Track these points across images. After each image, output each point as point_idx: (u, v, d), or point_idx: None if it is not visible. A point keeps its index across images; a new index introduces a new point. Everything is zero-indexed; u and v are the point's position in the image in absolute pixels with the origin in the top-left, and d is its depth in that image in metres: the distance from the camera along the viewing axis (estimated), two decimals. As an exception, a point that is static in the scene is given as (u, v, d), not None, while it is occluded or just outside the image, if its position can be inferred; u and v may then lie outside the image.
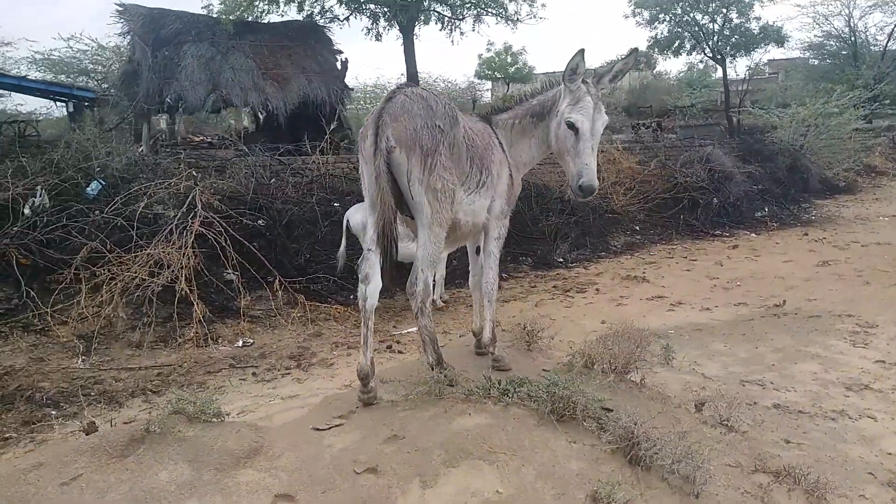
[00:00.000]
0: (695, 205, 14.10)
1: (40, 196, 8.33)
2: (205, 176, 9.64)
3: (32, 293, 7.29)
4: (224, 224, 8.40)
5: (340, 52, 17.21)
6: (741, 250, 11.91)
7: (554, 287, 9.95)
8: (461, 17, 18.53)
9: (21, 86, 24.12)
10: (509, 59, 41.25)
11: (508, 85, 41.58)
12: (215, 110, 15.70)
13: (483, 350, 4.31)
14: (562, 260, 11.37)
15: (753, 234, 13.51)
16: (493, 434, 2.79)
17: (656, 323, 7.75)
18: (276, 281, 8.48)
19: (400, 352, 7.27)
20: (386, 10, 16.98)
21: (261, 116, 16.64)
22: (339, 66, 16.24)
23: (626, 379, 4.08)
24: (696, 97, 31.81)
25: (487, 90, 47.59)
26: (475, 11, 18.50)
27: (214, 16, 15.10)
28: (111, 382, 6.54)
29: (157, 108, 13.61)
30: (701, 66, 37.60)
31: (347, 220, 8.85)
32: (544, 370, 3.90)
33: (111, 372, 6.74)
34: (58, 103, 27.06)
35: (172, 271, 7.49)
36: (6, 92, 26.43)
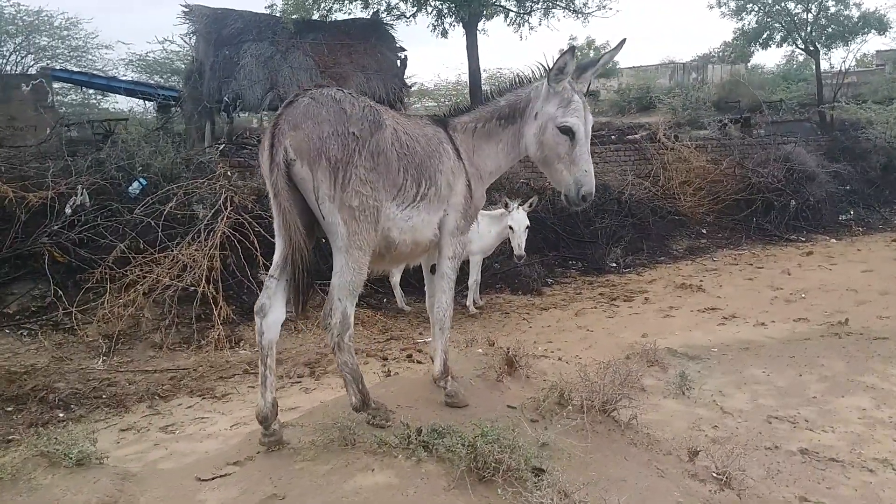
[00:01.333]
0: (769, 207, 13.07)
1: (81, 195, 8.48)
2: (244, 176, 9.62)
3: (60, 292, 7.38)
4: (256, 225, 8.34)
5: (403, 49, 16.99)
6: (815, 257, 10.91)
7: (600, 294, 9.37)
8: (528, 11, 17.93)
9: (110, 86, 25.40)
10: (591, 54, 40.06)
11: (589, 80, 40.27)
12: (272, 109, 15.81)
13: (444, 382, 3.76)
14: (614, 265, 10.74)
15: (833, 240, 12.39)
16: (389, 499, 2.40)
17: (701, 339, 7.12)
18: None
19: (419, 361, 6.95)
20: (451, 4, 16.61)
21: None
22: (398, 64, 16.04)
23: (609, 418, 3.57)
24: (792, 91, 29.80)
25: (569, 86, 46.53)
26: (543, 5, 17.85)
27: (277, 15, 15.19)
28: (124, 385, 6.52)
29: (217, 108, 13.80)
30: (801, 58, 35.26)
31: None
32: (509, 406, 3.47)
33: (127, 374, 6.74)
34: (147, 102, 28.41)
35: (194, 273, 7.44)
36: (101, 92, 27.96)
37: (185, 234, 8.16)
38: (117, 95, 26.26)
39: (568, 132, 3.60)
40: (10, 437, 5.54)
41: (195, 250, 7.60)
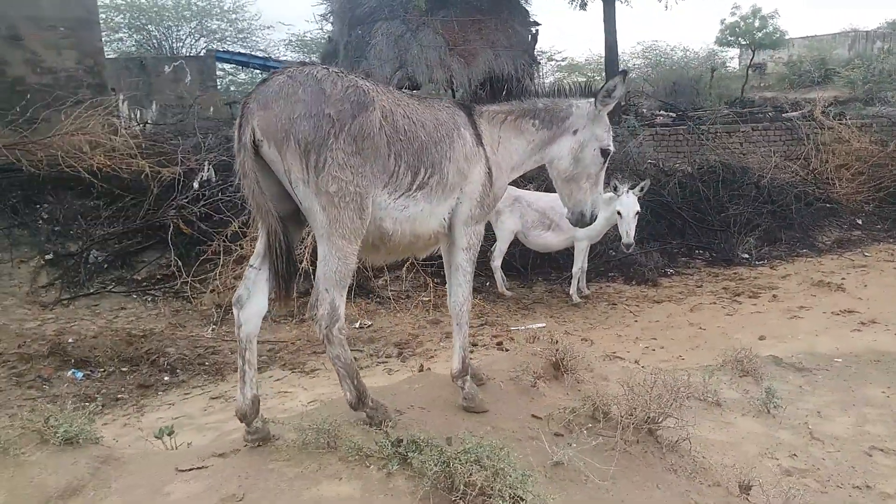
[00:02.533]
0: (945, 195, 11.41)
1: (207, 171, 9.01)
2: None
3: (180, 262, 7.89)
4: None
5: (537, 24, 16.54)
6: None
7: (723, 289, 8.62)
8: (675, -22, 16.79)
9: (266, 65, 26.99)
10: (757, 24, 36.89)
11: (754, 52, 37.24)
12: (399, 88, 15.98)
13: (461, 381, 3.52)
14: (746, 256, 9.84)
15: None
16: (347, 513, 2.23)
17: (826, 346, 6.34)
18: (409, 261, 8.37)
19: (507, 349, 6.74)
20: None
21: (456, 94, 16.62)
22: (529, 39, 15.61)
23: (652, 437, 3.18)
24: None
25: (732, 58, 43.29)
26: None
27: (411, -7, 15.28)
28: (227, 354, 6.89)
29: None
30: None
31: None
32: (534, 416, 3.18)
33: (231, 344, 7.10)
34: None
35: (298, 250, 7.66)
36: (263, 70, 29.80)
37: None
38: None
39: (606, 155, 3.86)
40: (119, 397, 6.04)
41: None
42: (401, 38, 14.27)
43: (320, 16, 16.11)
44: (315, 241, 3.17)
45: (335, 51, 15.02)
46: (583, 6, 17.50)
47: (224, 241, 7.87)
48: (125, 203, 8.72)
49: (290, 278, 3.00)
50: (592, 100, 3.76)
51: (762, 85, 41.42)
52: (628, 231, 7.64)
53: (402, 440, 2.47)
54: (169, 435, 3.92)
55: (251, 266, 3.06)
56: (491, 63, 14.45)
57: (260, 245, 3.02)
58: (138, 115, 23.24)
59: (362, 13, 14.52)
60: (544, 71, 42.98)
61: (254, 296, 3.04)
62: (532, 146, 3.78)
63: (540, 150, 3.82)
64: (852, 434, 4.07)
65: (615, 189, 7.68)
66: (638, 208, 7.66)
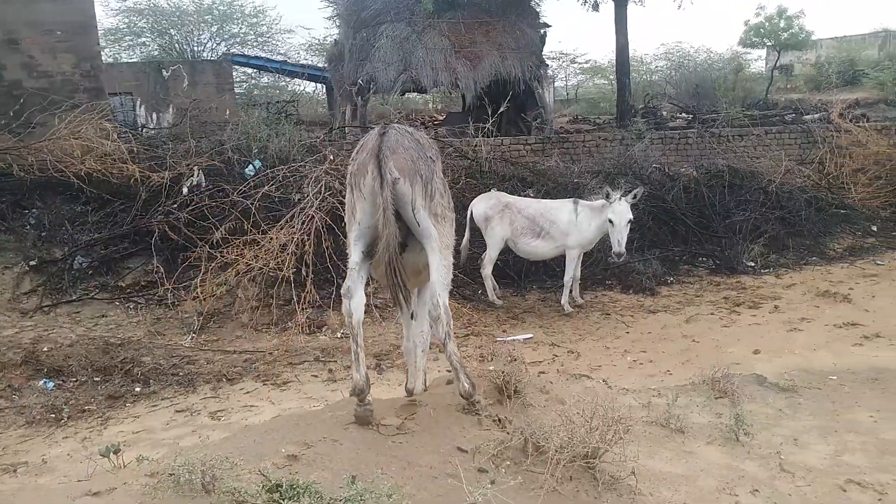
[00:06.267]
0: (964, 202, 10.91)
1: (197, 176, 8.91)
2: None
3: (161, 269, 7.78)
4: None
5: (547, 25, 16.24)
6: None
7: (724, 299, 8.29)
8: (690, -23, 16.42)
9: (282, 69, 27.04)
10: (782, 24, 36.09)
11: (779, 53, 36.43)
12: (405, 91, 15.79)
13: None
14: (752, 264, 9.47)
15: None
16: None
17: (823, 362, 6.02)
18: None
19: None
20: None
21: (467, 97, 16.42)
22: (538, 41, 15.33)
23: (589, 472, 2.91)
24: None
25: (757, 59, 42.32)
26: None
27: (418, -6, 15.10)
28: (202, 364, 6.75)
29: (352, 91, 13.99)
30: None
31: (471, 211, 8.23)
32: (459, 449, 2.94)
33: (208, 353, 6.97)
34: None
35: (281, 258, 7.51)
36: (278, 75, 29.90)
37: (290, 217, 8.29)
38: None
39: None
40: (86, 408, 5.93)
41: (284, 234, 7.67)
42: (406, 41, 14.11)
43: (326, 18, 16.02)
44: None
45: (340, 54, 14.90)
46: (595, 7, 17.16)
47: (209, 248, 7.73)
48: (114, 208, 8.65)
49: (405, 285, 3.67)
50: None
51: (788, 87, 40.60)
52: (620, 240, 7.37)
53: (280, 485, 2.25)
54: (115, 453, 3.76)
55: (352, 269, 3.71)
56: (497, 66, 14.22)
57: (357, 255, 3.70)
58: (155, 118, 23.46)
59: (367, 16, 14.38)
60: (567, 73, 42.55)
61: (357, 290, 3.66)
62: None
63: None
64: (828, 465, 3.74)
65: (607, 196, 7.41)
66: (630, 216, 7.38)
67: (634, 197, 7.44)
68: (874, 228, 10.86)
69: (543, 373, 6.11)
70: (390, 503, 2.14)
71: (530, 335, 7.33)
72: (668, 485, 3.24)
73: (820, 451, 3.90)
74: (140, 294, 7.96)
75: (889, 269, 9.17)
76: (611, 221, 7.37)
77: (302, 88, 35.37)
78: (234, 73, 28.43)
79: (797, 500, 3.30)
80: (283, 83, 34.33)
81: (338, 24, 15.83)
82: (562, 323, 7.69)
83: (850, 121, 13.14)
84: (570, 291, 8.10)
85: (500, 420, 3.24)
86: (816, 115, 16.73)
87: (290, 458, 2.75)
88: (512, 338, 7.19)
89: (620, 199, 7.37)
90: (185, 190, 8.82)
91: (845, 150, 12.23)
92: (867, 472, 3.68)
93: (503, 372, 3.67)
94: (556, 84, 45.61)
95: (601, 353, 6.77)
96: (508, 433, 3.06)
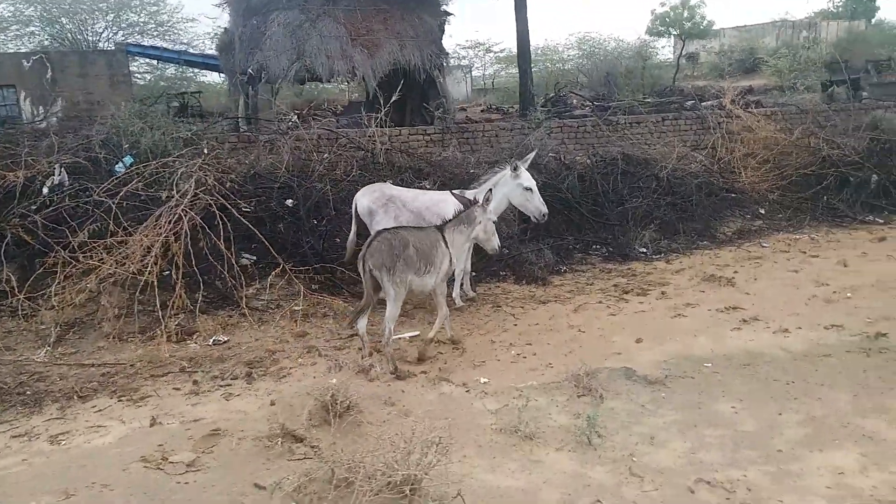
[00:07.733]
0: (844, 183, 11.28)
1: (59, 174, 8.23)
2: (231, 154, 9.13)
3: (12, 277, 7.11)
4: (229, 206, 7.83)
5: (448, 13, 15.99)
6: (888, 244, 9.25)
7: (613, 286, 8.25)
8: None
9: (182, 59, 25.83)
10: (685, 14, 37.23)
11: (684, 42, 37.57)
12: (299, 81, 15.24)
13: None
14: (644, 250, 9.51)
15: (920, 223, 10.52)
16: None
17: (701, 349, 6.01)
18: (281, 268, 7.77)
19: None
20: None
21: (370, 87, 15.98)
22: (437, 29, 15.06)
23: (414, 496, 2.63)
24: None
25: (664, 48, 43.45)
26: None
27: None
28: (54, 381, 6.16)
29: (242, 81, 13.36)
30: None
31: (356, 204, 7.89)
32: (257, 486, 2.62)
33: (62, 368, 6.39)
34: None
35: (145, 260, 6.97)
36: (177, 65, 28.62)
37: (157, 217, 7.72)
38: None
39: None
40: None
41: (149, 235, 7.13)
42: (299, 29, 13.56)
43: (215, 6, 15.28)
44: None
45: (231, 42, 14.22)
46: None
47: (69, 252, 7.10)
48: (-38, 212, 7.86)
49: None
50: None
51: (695, 74, 41.92)
52: (539, 203, 7.57)
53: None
54: None
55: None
56: (396, 54, 13.88)
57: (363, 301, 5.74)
58: (41, 112, 21.87)
59: (258, 2, 13.76)
60: (484, 63, 42.55)
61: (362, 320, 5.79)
62: None
63: None
64: (681, 464, 3.59)
65: (515, 168, 7.42)
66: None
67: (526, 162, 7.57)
68: (762, 211, 11.13)
69: (424, 373, 5.85)
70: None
71: (416, 332, 7.07)
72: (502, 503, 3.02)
73: (676, 450, 3.76)
74: (-8, 305, 7.26)
75: (773, 251, 9.37)
76: (529, 189, 7.39)
77: (209, 79, 34.15)
78: (133, 65, 27.07)
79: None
80: (191, 74, 32.98)
81: (228, 11, 15.10)
82: (451, 317, 7.44)
83: (742, 107, 13.43)
84: (462, 285, 7.89)
85: (317, 447, 2.90)
86: (710, 102, 17.14)
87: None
88: (397, 336, 6.90)
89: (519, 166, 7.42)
90: (45, 190, 8.14)
91: (736, 135, 12.50)
92: (719, 470, 3.56)
93: (328, 389, 3.33)
94: (473, 73, 45.57)
95: (487, 348, 6.56)
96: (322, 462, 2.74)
